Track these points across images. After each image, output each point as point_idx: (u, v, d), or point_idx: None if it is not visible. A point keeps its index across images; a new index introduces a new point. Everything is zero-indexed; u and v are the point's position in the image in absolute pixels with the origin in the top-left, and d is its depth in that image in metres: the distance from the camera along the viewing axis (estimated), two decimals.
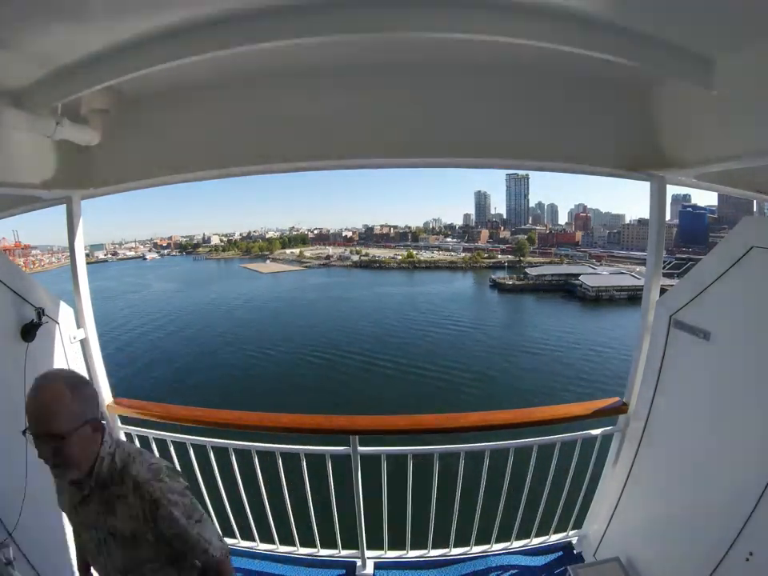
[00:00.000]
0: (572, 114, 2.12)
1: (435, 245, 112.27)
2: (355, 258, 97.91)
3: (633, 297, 50.56)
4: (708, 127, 1.77)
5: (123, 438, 2.68)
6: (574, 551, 2.80)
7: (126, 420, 2.67)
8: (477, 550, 2.80)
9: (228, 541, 2.85)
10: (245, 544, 2.89)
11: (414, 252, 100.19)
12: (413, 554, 2.79)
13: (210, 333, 40.15)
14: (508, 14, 1.37)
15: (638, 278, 53.88)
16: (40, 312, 2.02)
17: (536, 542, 2.85)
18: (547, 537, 2.86)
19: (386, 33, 1.46)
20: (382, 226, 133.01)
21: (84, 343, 2.45)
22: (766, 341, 1.57)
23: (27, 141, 1.92)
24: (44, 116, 1.66)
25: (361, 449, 2.46)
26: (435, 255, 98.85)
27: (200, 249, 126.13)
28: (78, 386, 1.26)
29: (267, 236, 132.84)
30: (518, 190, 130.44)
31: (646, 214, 2.30)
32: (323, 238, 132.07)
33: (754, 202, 2.63)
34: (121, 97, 2.03)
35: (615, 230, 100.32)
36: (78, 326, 2.40)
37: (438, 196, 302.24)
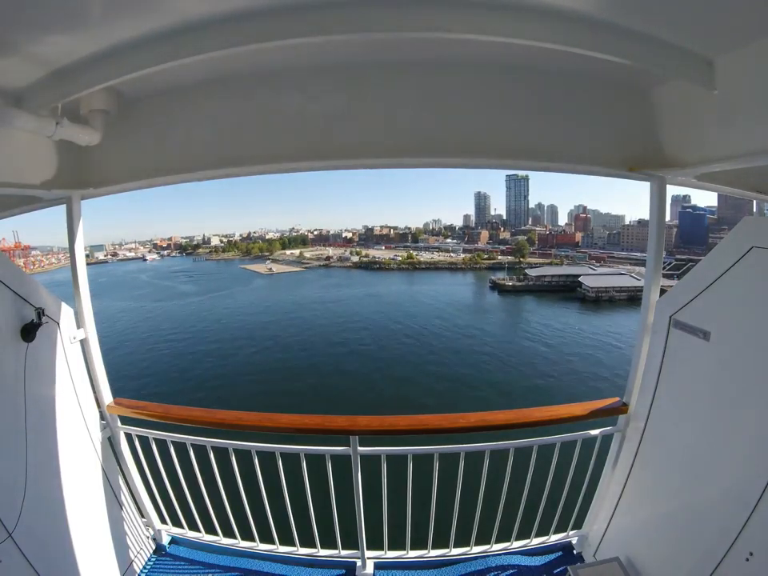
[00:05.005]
0: (572, 114, 2.12)
1: (435, 246, 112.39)
2: (355, 258, 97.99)
3: (633, 297, 50.66)
4: (708, 127, 1.77)
5: (123, 438, 2.68)
6: (574, 551, 2.80)
7: (126, 420, 2.66)
8: (477, 550, 2.80)
9: (228, 541, 2.88)
10: (245, 544, 2.89)
11: (414, 253, 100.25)
12: (413, 554, 2.79)
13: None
14: (508, 14, 1.37)
15: (638, 279, 53.92)
16: (40, 312, 2.02)
17: (536, 542, 2.85)
18: (547, 537, 2.85)
19: (387, 33, 1.46)
20: (381, 227, 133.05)
21: (84, 343, 2.45)
22: (765, 341, 1.57)
23: (27, 141, 1.92)
24: (44, 116, 1.66)
25: (361, 449, 2.46)
26: (435, 256, 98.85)
27: (200, 250, 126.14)
28: None
29: (267, 237, 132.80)
30: (517, 190, 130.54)
31: (645, 215, 2.30)
32: (323, 239, 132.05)
33: (754, 202, 2.63)
34: (121, 97, 2.03)
35: (615, 231, 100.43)
36: (78, 327, 2.40)
37: (438, 197, 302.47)
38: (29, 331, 1.97)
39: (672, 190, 2.35)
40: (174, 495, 2.91)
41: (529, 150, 2.15)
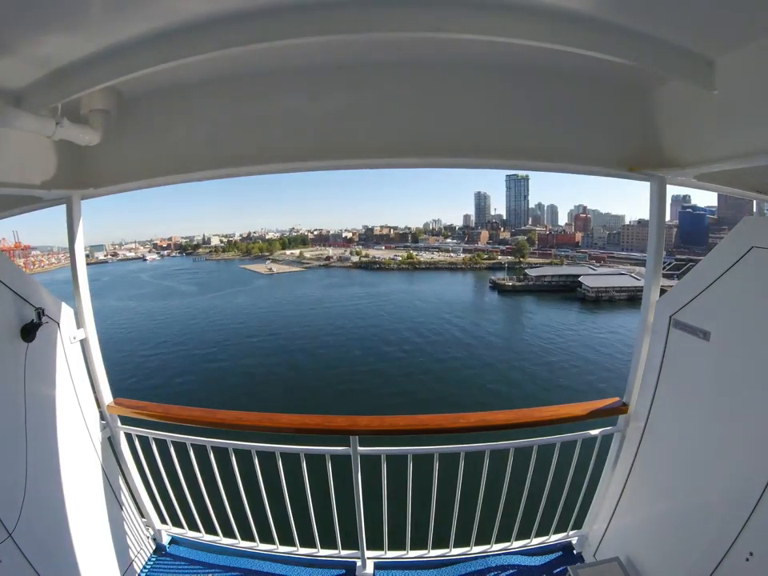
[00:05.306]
0: (572, 113, 2.12)
1: (435, 246, 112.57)
2: (355, 258, 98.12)
3: (632, 298, 50.70)
4: (708, 127, 1.77)
5: (123, 438, 2.68)
6: (574, 551, 2.80)
7: (125, 420, 2.66)
8: (477, 550, 2.80)
9: (228, 541, 2.88)
10: (245, 544, 2.89)
11: (414, 253, 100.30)
12: (413, 554, 2.79)
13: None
14: (508, 14, 1.37)
15: (638, 279, 53.95)
16: (40, 312, 2.02)
17: (536, 542, 2.85)
18: (547, 537, 2.85)
19: (387, 33, 1.46)
20: (381, 227, 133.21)
21: (84, 343, 2.45)
22: (765, 341, 1.57)
23: (27, 141, 1.92)
24: (44, 116, 1.66)
25: (361, 449, 2.46)
26: (435, 256, 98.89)
27: (200, 250, 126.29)
28: None
29: (267, 237, 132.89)
30: (517, 190, 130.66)
31: (645, 215, 2.30)
32: (323, 239, 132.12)
33: (754, 202, 2.64)
34: (121, 97, 2.02)
35: (615, 231, 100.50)
36: (78, 327, 2.40)
37: (438, 197, 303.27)
38: (29, 331, 1.97)
39: (672, 190, 2.35)
40: (174, 495, 2.91)
41: (529, 150, 2.15)
